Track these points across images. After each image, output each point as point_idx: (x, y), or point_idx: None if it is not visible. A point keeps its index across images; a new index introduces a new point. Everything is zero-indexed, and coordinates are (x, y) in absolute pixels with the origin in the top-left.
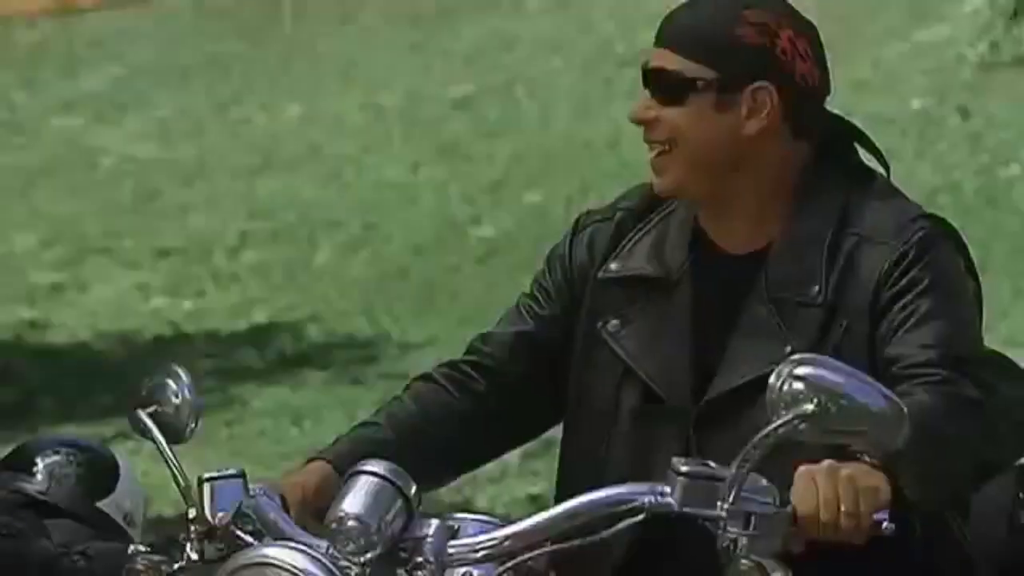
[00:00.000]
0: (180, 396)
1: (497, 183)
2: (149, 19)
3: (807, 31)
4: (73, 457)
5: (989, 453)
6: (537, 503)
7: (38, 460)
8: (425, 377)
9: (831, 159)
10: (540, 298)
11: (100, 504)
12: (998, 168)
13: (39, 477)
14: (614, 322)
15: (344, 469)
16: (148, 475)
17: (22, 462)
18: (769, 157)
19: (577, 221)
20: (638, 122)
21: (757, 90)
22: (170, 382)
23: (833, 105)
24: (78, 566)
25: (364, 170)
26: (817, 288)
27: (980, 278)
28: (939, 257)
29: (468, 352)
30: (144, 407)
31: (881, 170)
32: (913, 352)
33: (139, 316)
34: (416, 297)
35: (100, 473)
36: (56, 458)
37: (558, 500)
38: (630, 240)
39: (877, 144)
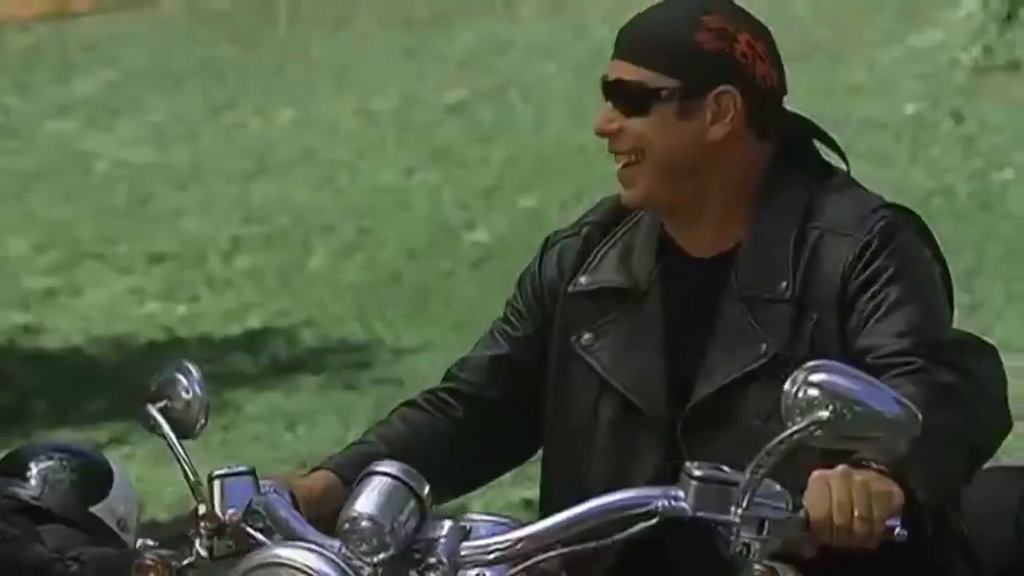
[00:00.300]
0: (191, 392)
1: (491, 188)
2: (143, 23)
3: (764, 35)
4: (66, 462)
5: (974, 437)
6: (531, 507)
7: (31, 465)
8: (409, 403)
9: (792, 158)
10: (513, 320)
11: (94, 509)
12: (992, 172)
13: (32, 482)
14: (587, 335)
15: (347, 477)
16: (142, 480)
17: (15, 467)
18: (734, 160)
19: (546, 241)
20: (602, 134)
21: (720, 95)
22: (180, 377)
23: (827, 109)
24: (71, 571)
25: (358, 175)
26: (785, 284)
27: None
28: (902, 244)
29: (445, 379)
30: (154, 402)
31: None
32: (886, 341)
33: (133, 321)
34: (410, 302)
35: (93, 478)
36: (49, 463)
37: (543, 516)
38: (597, 253)
39: (837, 142)
